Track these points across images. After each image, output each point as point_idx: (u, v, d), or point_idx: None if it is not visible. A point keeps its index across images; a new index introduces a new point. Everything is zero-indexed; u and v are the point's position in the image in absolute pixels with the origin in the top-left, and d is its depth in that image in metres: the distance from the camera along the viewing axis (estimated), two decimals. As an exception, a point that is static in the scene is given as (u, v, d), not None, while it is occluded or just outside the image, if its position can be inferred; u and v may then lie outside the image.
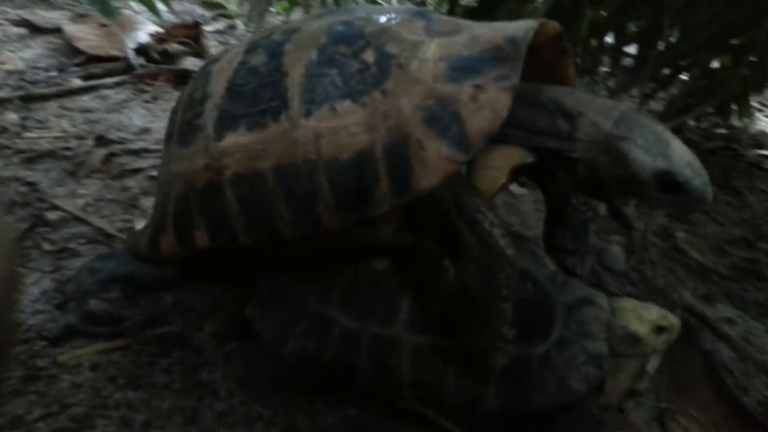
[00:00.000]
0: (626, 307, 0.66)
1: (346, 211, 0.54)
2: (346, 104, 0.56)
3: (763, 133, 1.77)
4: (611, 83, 1.69)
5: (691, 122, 1.55)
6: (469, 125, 0.54)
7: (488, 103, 0.54)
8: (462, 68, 0.56)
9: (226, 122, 0.60)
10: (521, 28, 0.58)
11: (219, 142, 0.60)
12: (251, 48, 0.63)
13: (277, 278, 0.67)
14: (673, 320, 0.66)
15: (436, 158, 0.53)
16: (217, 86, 0.62)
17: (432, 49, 0.57)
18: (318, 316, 0.63)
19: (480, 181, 0.59)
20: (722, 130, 1.65)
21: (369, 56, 0.58)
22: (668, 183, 0.56)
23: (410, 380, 0.61)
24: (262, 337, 0.64)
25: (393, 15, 0.63)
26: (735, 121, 1.65)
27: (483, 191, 0.59)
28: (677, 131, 1.52)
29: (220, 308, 0.75)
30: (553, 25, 0.60)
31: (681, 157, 0.56)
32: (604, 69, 1.78)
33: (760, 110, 1.97)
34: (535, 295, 0.64)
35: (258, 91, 0.59)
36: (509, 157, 0.61)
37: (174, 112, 0.69)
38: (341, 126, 0.56)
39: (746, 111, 1.67)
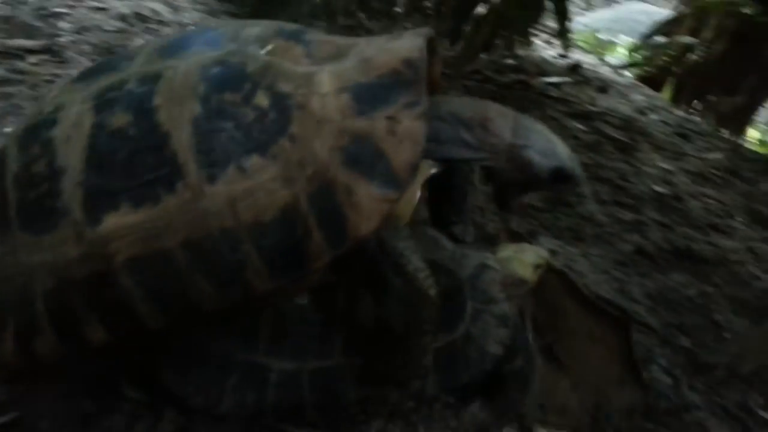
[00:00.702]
0: (509, 255, 0.73)
1: (280, 273, 0.50)
2: (254, 159, 0.50)
3: (544, 60, 1.94)
4: (408, 24, 1.72)
5: (483, 56, 1.64)
6: (394, 160, 0.51)
7: (406, 134, 0.52)
8: (366, 99, 0.53)
9: (100, 201, 0.50)
10: (413, 47, 0.55)
11: (96, 227, 0.50)
12: (100, 104, 0.52)
13: (190, 336, 0.59)
14: (543, 255, 0.75)
15: (369, 201, 0.50)
16: (70, 157, 0.51)
17: (326, 80, 0.53)
18: (249, 365, 0.58)
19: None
20: (511, 61, 1.76)
21: (262, 100, 0.52)
22: (560, 177, 0.65)
23: (356, 399, 0.61)
24: (189, 401, 0.57)
25: (260, 39, 0.56)
26: (520, 51, 1.78)
27: (402, 217, 0.59)
28: (476, 71, 1.62)
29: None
30: (430, 35, 0.58)
31: (564, 153, 0.65)
32: (398, 10, 1.80)
33: (536, 35, 2.13)
34: (447, 283, 0.66)
35: (134, 160, 0.50)
36: (418, 173, 0.59)
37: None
38: (255, 185, 0.50)
39: (525, 40, 1.81)
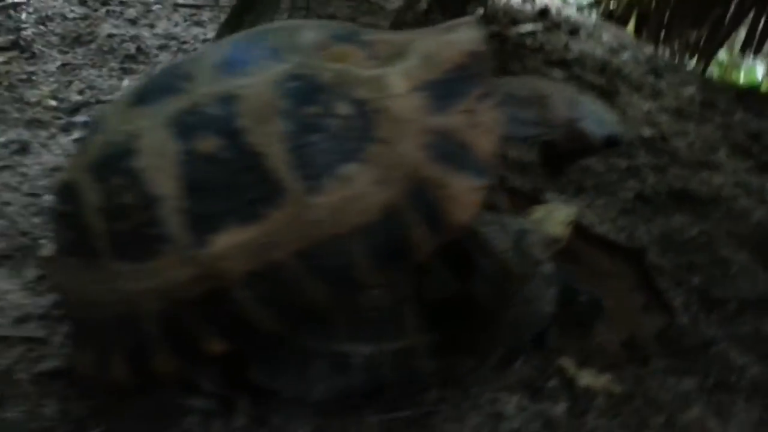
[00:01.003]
0: (542, 216, 0.75)
1: (388, 267, 0.53)
2: (349, 168, 0.52)
3: (511, 7, 1.93)
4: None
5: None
6: (478, 150, 0.54)
7: (485, 124, 0.55)
8: (440, 95, 0.55)
9: (205, 224, 0.52)
10: (474, 39, 0.59)
11: (207, 249, 0.51)
12: (182, 131, 0.52)
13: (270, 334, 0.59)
14: (573, 211, 0.78)
15: (463, 191, 0.53)
16: (164, 186, 0.52)
17: (398, 81, 0.55)
18: (332, 353, 0.60)
19: None
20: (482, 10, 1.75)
21: (343, 109, 0.53)
22: (612, 142, 0.72)
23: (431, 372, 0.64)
24: (282, 393, 0.60)
25: (318, 45, 0.57)
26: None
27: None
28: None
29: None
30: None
31: (613, 120, 0.73)
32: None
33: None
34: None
35: (233, 182, 0.52)
36: None
37: (73, 218, 0.55)
38: (355, 193, 0.52)
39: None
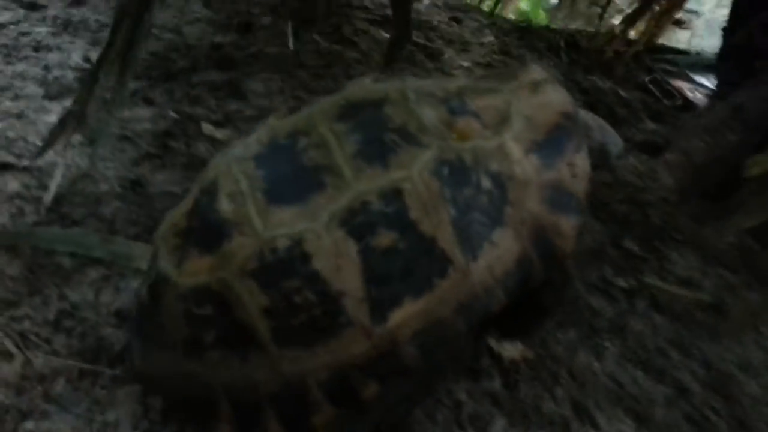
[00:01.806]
0: None
1: (512, 297, 0.66)
2: (497, 232, 0.64)
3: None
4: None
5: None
6: (578, 195, 0.69)
7: (581, 173, 0.70)
8: (547, 154, 0.68)
9: (384, 306, 0.59)
10: (564, 100, 0.72)
11: (383, 324, 0.59)
12: (355, 230, 0.58)
13: None
14: None
15: (570, 230, 0.68)
16: (347, 282, 0.58)
17: (515, 148, 0.66)
18: None
19: None
20: None
21: (486, 183, 0.64)
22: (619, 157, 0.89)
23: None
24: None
25: (443, 122, 0.65)
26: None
27: None
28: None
29: None
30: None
31: (617, 136, 0.85)
32: None
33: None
34: None
35: (410, 266, 0.60)
36: None
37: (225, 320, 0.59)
38: (501, 250, 0.64)
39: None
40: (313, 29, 1.48)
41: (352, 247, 0.58)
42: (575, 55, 1.97)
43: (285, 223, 0.58)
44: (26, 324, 0.73)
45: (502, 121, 0.67)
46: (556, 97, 0.72)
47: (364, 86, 0.69)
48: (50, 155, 0.94)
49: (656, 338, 0.98)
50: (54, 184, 0.89)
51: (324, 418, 0.60)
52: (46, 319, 0.74)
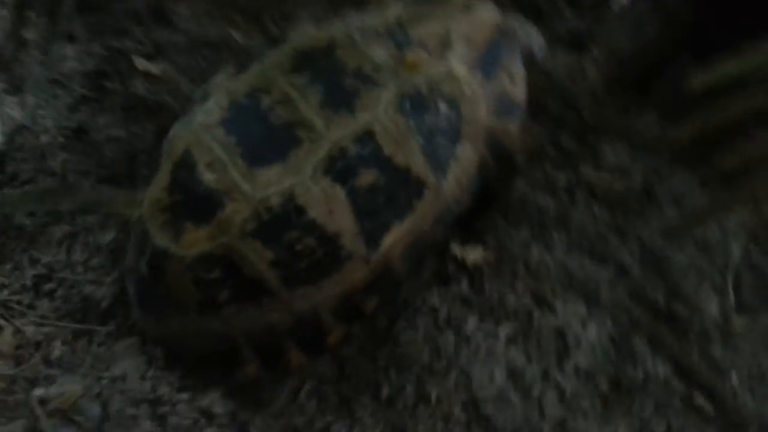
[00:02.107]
0: None
1: (473, 198, 0.78)
2: (459, 148, 0.71)
3: None
4: None
5: None
6: (519, 100, 0.79)
7: (519, 78, 0.79)
8: (488, 67, 0.75)
9: (376, 234, 0.65)
10: (494, 16, 0.79)
11: (377, 250, 0.66)
12: (339, 175, 0.64)
13: None
14: None
15: (517, 132, 0.79)
16: (342, 223, 0.64)
17: (460, 70, 0.72)
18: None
19: None
20: None
21: (443, 107, 0.70)
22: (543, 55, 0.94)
23: None
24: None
25: (395, 58, 0.69)
26: None
27: None
28: None
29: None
30: None
31: (539, 35, 0.92)
32: None
33: None
34: None
35: (393, 196, 0.67)
36: None
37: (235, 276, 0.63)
38: (465, 164, 0.72)
39: None
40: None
41: (339, 191, 0.63)
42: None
43: (272, 182, 0.61)
44: (5, 293, 0.72)
45: (445, 45, 0.72)
46: (487, 13, 0.79)
47: (309, 33, 0.71)
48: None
49: (596, 226, 1.07)
50: (-9, 144, 0.85)
51: (336, 337, 0.69)
52: (24, 285, 0.74)
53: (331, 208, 0.63)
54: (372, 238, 0.65)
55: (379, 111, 0.65)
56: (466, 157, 0.72)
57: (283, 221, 0.62)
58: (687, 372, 0.89)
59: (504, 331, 0.86)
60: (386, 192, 0.66)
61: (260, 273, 0.62)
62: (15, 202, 0.79)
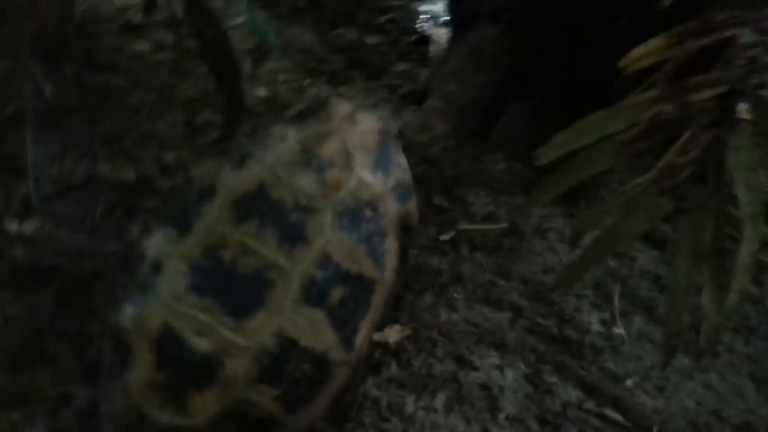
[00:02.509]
0: None
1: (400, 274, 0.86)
2: (387, 241, 0.81)
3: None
4: None
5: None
6: (410, 182, 0.92)
7: (405, 165, 0.92)
8: (385, 167, 0.85)
9: (350, 339, 0.73)
10: (374, 123, 0.88)
11: (354, 350, 0.73)
12: (318, 299, 0.71)
13: None
14: None
15: (414, 209, 0.93)
16: (327, 339, 0.71)
17: (367, 176, 0.82)
18: None
19: None
20: None
21: (367, 211, 0.79)
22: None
23: None
24: None
25: (309, 186, 0.77)
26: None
27: None
28: None
29: None
30: None
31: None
32: None
33: None
34: None
35: (357, 299, 0.75)
36: None
37: None
38: (393, 251, 0.82)
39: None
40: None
41: (319, 314, 0.69)
42: (318, 11, 2.06)
43: (262, 327, 0.65)
44: None
45: (348, 157, 0.80)
46: (369, 122, 0.87)
47: (234, 178, 0.73)
48: None
49: (485, 274, 1.18)
50: None
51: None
52: None
53: (317, 331, 0.68)
54: (349, 343, 0.72)
55: (327, 234, 0.72)
56: (392, 246, 0.81)
57: (280, 358, 0.66)
58: (592, 390, 1.01)
59: (440, 401, 0.92)
60: (352, 300, 0.72)
61: (268, 410, 0.66)
62: None
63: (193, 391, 0.63)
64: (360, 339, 0.73)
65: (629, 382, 1.05)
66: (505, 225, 1.31)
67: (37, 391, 0.73)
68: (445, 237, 1.24)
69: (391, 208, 0.82)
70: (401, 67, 2.03)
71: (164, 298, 0.65)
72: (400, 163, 0.88)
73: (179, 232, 0.69)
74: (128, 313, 0.66)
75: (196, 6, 0.71)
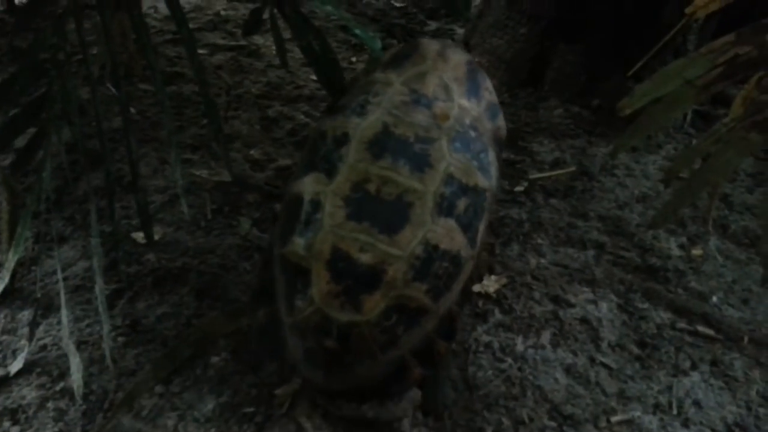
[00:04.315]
0: None
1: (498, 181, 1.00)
2: (489, 154, 0.93)
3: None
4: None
5: None
6: (497, 101, 1.04)
7: (492, 89, 1.04)
8: (476, 93, 0.97)
9: (474, 239, 0.87)
10: (463, 55, 1.01)
11: (475, 247, 0.88)
12: (449, 210, 0.84)
13: None
14: None
15: (503, 122, 1.04)
16: (460, 242, 0.84)
17: (465, 103, 0.95)
18: None
19: None
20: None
21: (471, 132, 0.92)
22: None
23: None
24: None
25: (431, 115, 0.90)
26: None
27: None
28: None
29: None
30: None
31: None
32: None
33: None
34: None
35: (478, 206, 0.89)
36: None
37: None
38: (494, 164, 0.96)
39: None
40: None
41: (451, 222, 0.82)
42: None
43: (410, 238, 0.79)
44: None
45: (446, 90, 0.93)
46: (457, 55, 0.99)
47: (360, 124, 0.86)
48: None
49: (562, 217, 1.26)
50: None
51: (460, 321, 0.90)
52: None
53: (451, 236, 0.81)
54: (473, 242, 0.85)
55: (447, 157, 0.85)
56: (493, 158, 0.94)
57: (427, 260, 0.80)
58: (682, 310, 1.09)
59: (545, 338, 1.01)
60: (471, 207, 0.85)
61: (422, 302, 0.80)
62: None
63: (365, 294, 0.77)
64: (479, 238, 0.87)
65: (714, 299, 1.12)
66: (573, 168, 1.37)
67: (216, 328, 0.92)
68: (519, 188, 1.31)
69: (487, 126, 0.96)
70: (433, 25, 2.07)
71: (328, 227, 0.79)
72: (487, 87, 1.01)
73: (326, 175, 0.83)
74: (299, 243, 0.80)
75: (303, 25, 0.79)
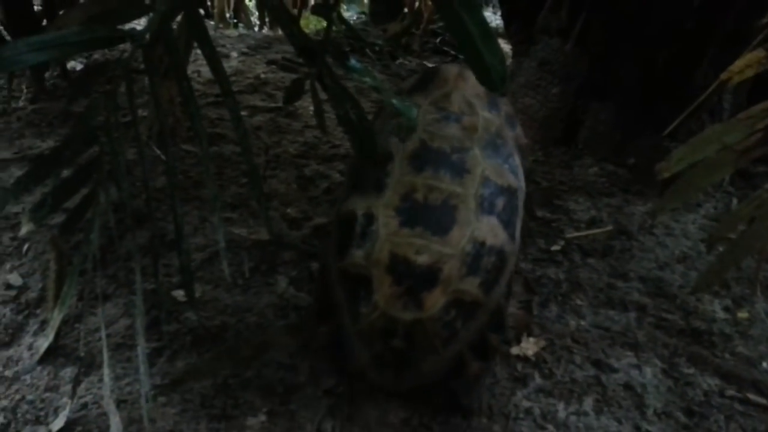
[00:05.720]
0: None
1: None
2: (515, 159, 1.02)
3: None
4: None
5: None
6: (514, 114, 1.14)
7: (509, 105, 1.13)
8: (494, 107, 1.05)
9: (513, 230, 0.95)
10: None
11: (515, 241, 0.95)
12: (490, 207, 0.92)
13: None
14: None
15: (522, 133, 1.14)
16: (501, 236, 0.91)
17: (487, 116, 1.03)
18: None
19: None
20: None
21: (498, 140, 1.00)
22: None
23: None
24: None
25: (463, 128, 0.98)
26: None
27: None
28: None
29: None
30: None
31: None
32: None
33: None
34: None
35: (511, 203, 0.96)
36: None
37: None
38: (520, 168, 1.04)
39: None
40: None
41: (493, 219, 0.90)
42: (376, 47, 2.18)
43: (460, 238, 0.86)
44: None
45: (470, 105, 1.01)
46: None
47: (396, 143, 0.95)
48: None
49: (602, 277, 1.24)
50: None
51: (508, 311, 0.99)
52: None
53: (495, 232, 0.88)
54: (513, 237, 0.93)
55: (482, 163, 0.93)
56: (518, 162, 1.03)
57: (477, 256, 0.86)
58: (730, 376, 1.05)
59: (588, 405, 0.98)
60: (508, 205, 0.93)
61: (476, 295, 0.86)
62: None
63: (425, 292, 0.83)
64: (517, 234, 0.95)
65: (765, 365, 1.07)
66: (610, 228, 1.36)
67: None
68: (555, 247, 1.30)
69: (509, 134, 1.04)
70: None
71: (384, 236, 0.85)
72: (504, 100, 1.10)
73: (375, 191, 0.90)
74: (358, 255, 0.86)
75: (342, 95, 0.83)
